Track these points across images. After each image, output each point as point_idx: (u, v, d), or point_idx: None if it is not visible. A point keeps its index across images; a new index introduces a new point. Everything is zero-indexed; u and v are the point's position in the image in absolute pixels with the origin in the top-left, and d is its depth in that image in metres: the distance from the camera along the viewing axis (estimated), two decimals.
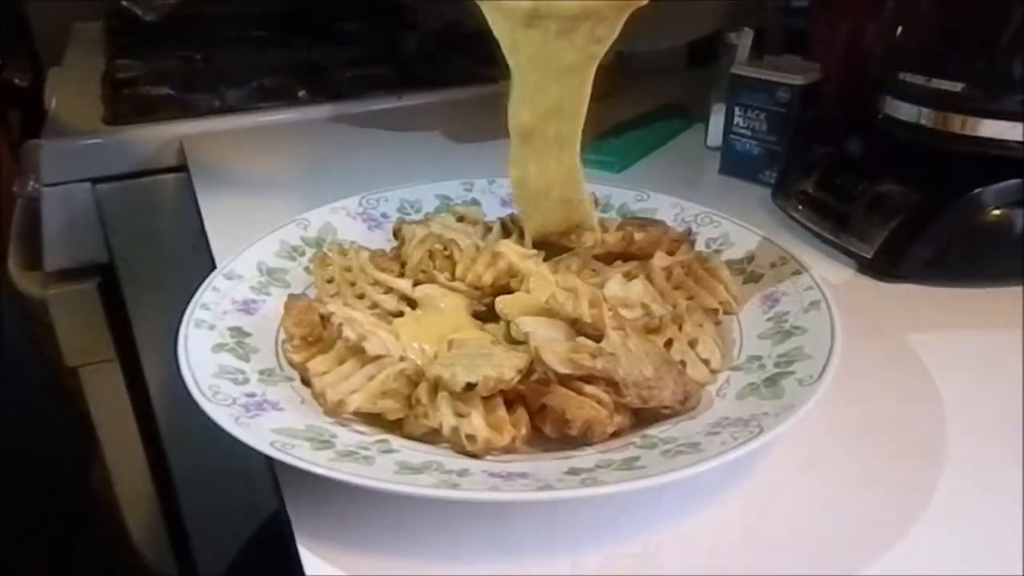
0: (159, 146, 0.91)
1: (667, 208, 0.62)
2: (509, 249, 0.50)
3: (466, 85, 1.07)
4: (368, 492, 0.37)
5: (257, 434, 0.39)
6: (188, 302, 0.50)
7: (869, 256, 0.61)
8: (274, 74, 1.08)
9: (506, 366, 0.40)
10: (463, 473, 0.38)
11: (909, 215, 0.61)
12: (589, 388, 0.41)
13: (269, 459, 0.39)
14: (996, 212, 0.59)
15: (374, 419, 0.43)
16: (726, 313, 0.51)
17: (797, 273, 0.52)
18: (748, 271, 0.55)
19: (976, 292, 0.59)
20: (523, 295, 0.47)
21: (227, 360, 0.45)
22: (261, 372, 0.45)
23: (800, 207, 0.69)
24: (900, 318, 0.56)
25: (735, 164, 0.78)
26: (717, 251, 0.58)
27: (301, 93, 1.04)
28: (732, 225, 0.59)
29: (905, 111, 0.64)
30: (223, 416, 0.40)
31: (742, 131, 0.77)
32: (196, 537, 1.09)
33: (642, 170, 0.83)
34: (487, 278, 0.49)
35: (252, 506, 0.97)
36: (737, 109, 0.77)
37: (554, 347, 0.42)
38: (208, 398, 0.41)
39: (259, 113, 0.98)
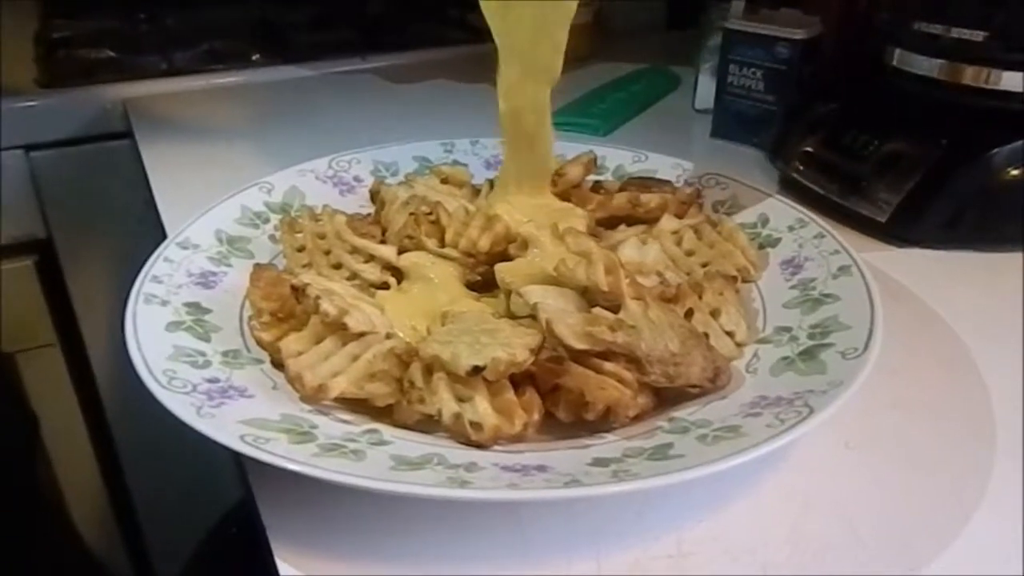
0: (100, 110, 0.83)
1: (668, 169, 0.57)
2: (506, 211, 0.44)
3: (433, 47, 1.01)
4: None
5: (223, 427, 0.33)
6: (135, 276, 0.43)
7: (883, 220, 0.57)
8: (225, 36, 1.00)
9: (516, 345, 0.34)
10: (471, 467, 0.32)
11: (925, 176, 0.56)
12: (608, 366, 0.36)
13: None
14: (1017, 172, 0.55)
15: (359, 405, 0.37)
16: (744, 281, 0.46)
17: (820, 236, 0.48)
18: (763, 235, 0.50)
19: (996, 256, 0.55)
20: (525, 262, 0.42)
21: (184, 340, 0.39)
22: (225, 354, 0.39)
23: (803, 168, 0.64)
24: (920, 284, 0.52)
25: (729, 126, 0.74)
26: (726, 215, 0.53)
27: (255, 57, 0.97)
28: (740, 187, 0.55)
29: (917, 63, 0.60)
30: (182, 406, 0.34)
31: (737, 91, 0.72)
32: (151, 534, 1.02)
33: (628, 134, 0.78)
34: (483, 244, 0.43)
35: (212, 499, 0.91)
36: (732, 67, 0.72)
37: (567, 320, 0.36)
38: (163, 385, 0.35)
39: (210, 75, 0.90)
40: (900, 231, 0.57)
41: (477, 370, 0.34)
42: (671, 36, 1.07)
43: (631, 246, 0.43)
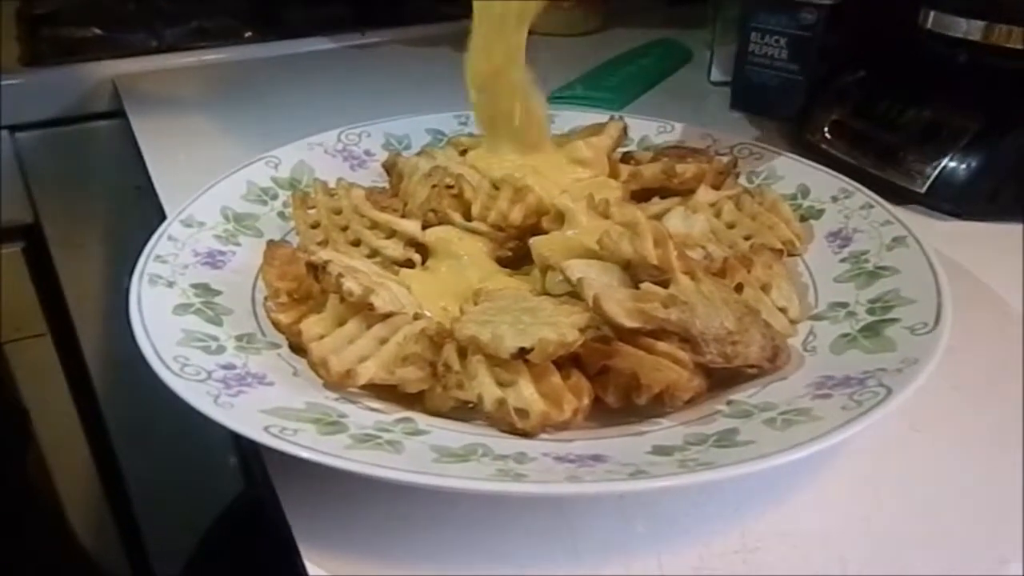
0: (88, 88, 0.79)
1: (696, 140, 0.55)
2: (537, 182, 0.41)
3: (431, 23, 0.97)
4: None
5: (245, 417, 0.30)
6: (137, 256, 0.40)
7: (921, 191, 0.54)
8: (215, 12, 0.96)
9: (563, 324, 0.31)
10: (521, 458, 0.29)
11: (966, 145, 0.54)
12: (661, 345, 0.33)
13: (236, 437, 0.30)
14: None
15: (385, 392, 0.34)
16: (789, 255, 0.43)
17: (868, 207, 0.45)
18: (805, 207, 0.47)
19: None
20: (561, 235, 0.39)
21: (194, 324, 0.36)
22: (239, 338, 0.36)
23: (832, 139, 0.61)
24: (965, 257, 0.49)
25: (750, 97, 0.71)
26: (762, 185, 0.50)
27: (247, 34, 0.93)
28: (776, 156, 0.52)
29: (954, 25, 0.57)
30: (197, 395, 0.30)
31: (759, 60, 0.69)
32: (148, 530, 0.99)
33: (642, 108, 0.75)
34: (514, 216, 0.40)
35: (213, 492, 0.88)
36: (753, 35, 0.68)
37: (615, 296, 0.33)
38: (175, 372, 0.32)
39: (202, 52, 0.86)
40: (940, 203, 0.54)
41: (523, 352, 0.31)
42: (676, 9, 1.04)
43: (677, 216, 0.40)
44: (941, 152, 0.54)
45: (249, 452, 0.39)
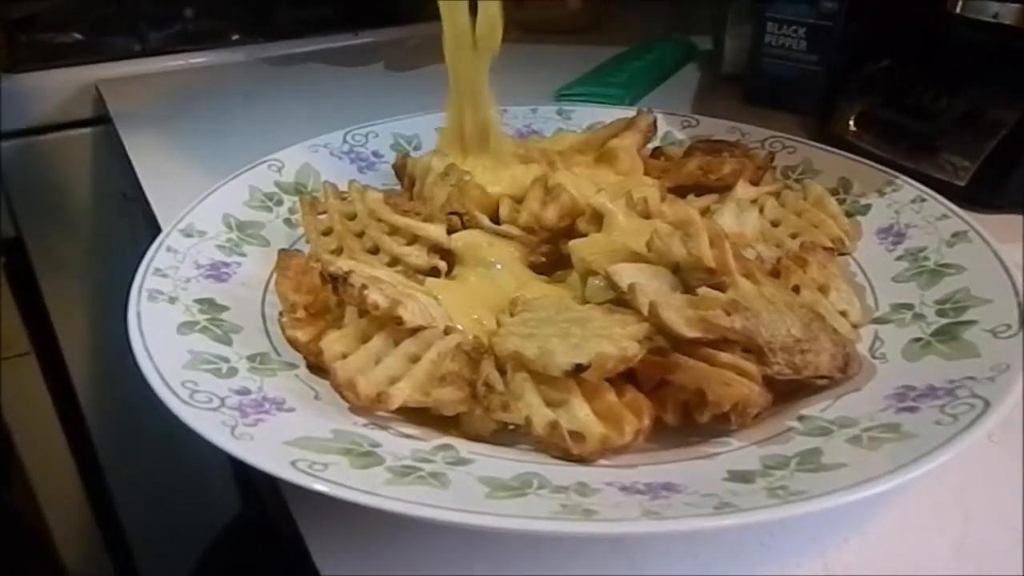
0: (70, 95, 0.75)
1: (722, 134, 0.51)
2: (569, 180, 0.38)
3: (425, 21, 0.94)
4: None
5: (268, 451, 0.26)
6: (134, 270, 0.36)
7: (961, 184, 0.52)
8: (201, 16, 0.93)
9: (620, 336, 0.28)
10: (584, 490, 0.26)
11: (1008, 135, 0.51)
12: (724, 356, 0.30)
13: (233, 458, 0.27)
14: None
15: (416, 415, 0.31)
16: (839, 253, 0.40)
17: (919, 200, 0.42)
18: (849, 202, 0.44)
19: None
20: (600, 237, 0.35)
21: (201, 344, 0.32)
22: (251, 358, 0.33)
23: (858, 131, 0.58)
24: (1015, 253, 0.47)
25: (766, 91, 0.68)
26: (798, 180, 0.47)
27: (235, 37, 0.90)
28: (812, 149, 0.49)
29: (987, 9, 0.54)
30: (212, 426, 0.27)
31: (775, 51, 0.66)
32: (139, 553, 0.95)
33: (653, 104, 0.71)
34: (549, 217, 0.36)
35: (207, 514, 0.84)
36: (770, 25, 0.66)
37: (672, 303, 0.30)
38: (184, 400, 0.28)
39: (189, 55, 0.83)
40: (981, 195, 0.51)
41: (579, 369, 0.27)
42: (675, 4, 1.01)
43: (730, 214, 0.36)
44: (982, 143, 0.52)
45: (255, 473, 0.36)
